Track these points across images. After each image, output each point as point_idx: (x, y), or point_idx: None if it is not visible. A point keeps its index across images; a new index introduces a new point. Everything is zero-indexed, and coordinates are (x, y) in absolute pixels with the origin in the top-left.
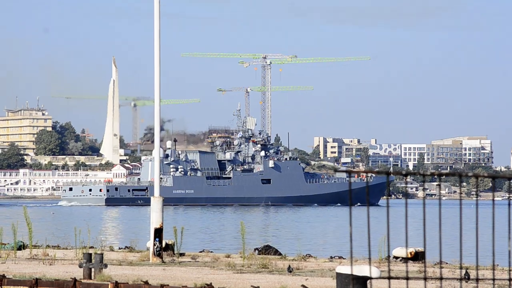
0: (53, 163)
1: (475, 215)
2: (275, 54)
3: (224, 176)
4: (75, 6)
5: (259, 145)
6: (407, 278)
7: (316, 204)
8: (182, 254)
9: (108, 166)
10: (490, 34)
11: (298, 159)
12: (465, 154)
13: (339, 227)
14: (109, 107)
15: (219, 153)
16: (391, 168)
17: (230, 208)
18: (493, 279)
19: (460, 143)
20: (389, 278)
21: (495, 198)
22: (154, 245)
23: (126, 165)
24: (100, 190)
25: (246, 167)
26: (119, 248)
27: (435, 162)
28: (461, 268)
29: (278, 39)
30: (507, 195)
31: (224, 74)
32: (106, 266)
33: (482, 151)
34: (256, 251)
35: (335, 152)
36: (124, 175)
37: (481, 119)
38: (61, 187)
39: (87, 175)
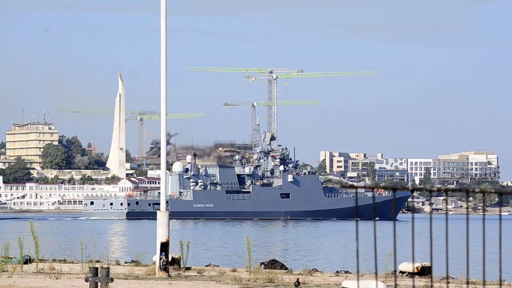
0: (60, 177)
1: (482, 230)
2: (282, 69)
3: (243, 190)
4: (82, 20)
5: (278, 160)
6: None
7: (335, 218)
8: (188, 268)
9: (114, 180)
10: (498, 49)
11: (317, 174)
12: (472, 168)
13: (350, 242)
14: (115, 121)
15: (238, 168)
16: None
17: (249, 222)
18: None
19: (467, 158)
20: None
21: (501, 213)
22: (160, 259)
23: (132, 179)
24: (121, 204)
25: (265, 181)
26: (125, 262)
27: (442, 177)
28: (467, 283)
29: (284, 53)
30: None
31: (230, 88)
32: (112, 280)
33: (489, 165)
34: (262, 265)
35: (341, 167)
36: (130, 188)
37: (488, 134)
38: (83, 201)
39: (94, 189)
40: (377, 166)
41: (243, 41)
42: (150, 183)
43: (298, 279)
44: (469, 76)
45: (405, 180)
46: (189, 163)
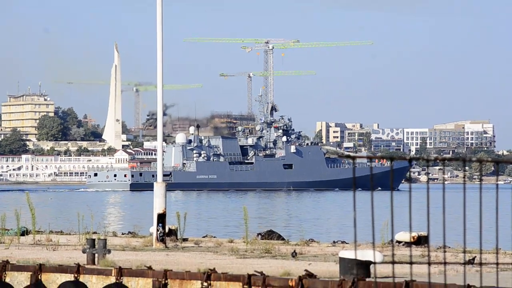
0: (56, 149)
1: (479, 199)
2: (278, 39)
3: (246, 161)
4: None
5: (280, 131)
6: (411, 263)
7: (337, 189)
8: (185, 240)
9: (110, 151)
10: (493, 18)
11: (319, 144)
12: (468, 138)
13: (348, 212)
14: (111, 92)
15: (241, 139)
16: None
17: (252, 193)
18: (497, 263)
19: (463, 127)
20: (393, 262)
21: (498, 182)
22: (157, 230)
23: (129, 150)
24: (125, 176)
25: (268, 152)
26: (122, 234)
27: (438, 147)
28: (464, 252)
29: (280, 23)
30: (510, 179)
31: (226, 59)
32: (109, 251)
33: (485, 135)
34: (259, 236)
35: (337, 137)
36: (126, 160)
37: (484, 103)
38: (86, 173)
39: (90, 160)
40: (373, 137)
41: (239, 12)
42: (147, 155)
43: (294, 250)
44: (464, 45)
45: (402, 150)
46: (192, 134)
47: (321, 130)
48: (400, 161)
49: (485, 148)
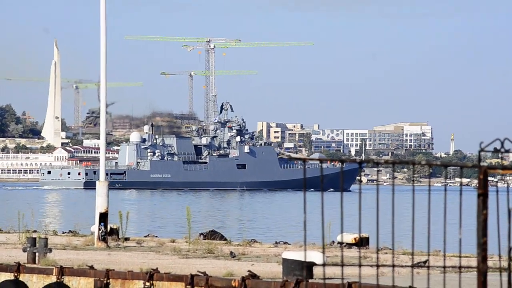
0: None
1: (427, 201)
2: (219, 38)
3: (200, 161)
4: None
5: (234, 131)
6: (359, 265)
7: (289, 189)
8: (127, 239)
9: (49, 149)
10: (432, 19)
11: (272, 145)
12: (406, 140)
13: (294, 213)
14: (50, 89)
15: (195, 138)
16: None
17: (206, 193)
18: (444, 267)
19: (402, 129)
20: (342, 265)
21: (435, 184)
22: (99, 229)
23: (68, 148)
24: (79, 174)
25: (222, 152)
26: (63, 232)
27: (377, 148)
28: (413, 254)
29: (222, 23)
30: (448, 181)
31: (167, 58)
32: (50, 250)
33: (423, 137)
34: (202, 236)
35: (278, 137)
36: (66, 158)
37: (422, 105)
38: (40, 170)
39: (28, 158)
40: (313, 137)
41: (180, 10)
42: (86, 153)
43: (231, 251)
44: (403, 47)
45: (342, 151)
46: (147, 133)
47: (262, 130)
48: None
49: (424, 150)
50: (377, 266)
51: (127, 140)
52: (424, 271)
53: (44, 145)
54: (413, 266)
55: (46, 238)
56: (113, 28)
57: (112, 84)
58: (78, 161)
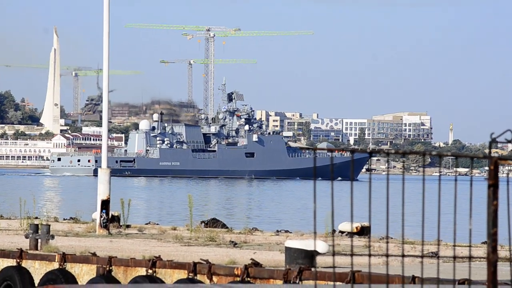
0: None
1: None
2: (219, 27)
3: (209, 149)
4: None
5: (243, 119)
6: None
7: (298, 178)
8: (128, 226)
9: (48, 135)
10: (432, 9)
11: (281, 134)
12: (405, 129)
13: (298, 201)
14: (50, 76)
15: (204, 127)
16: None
17: (214, 181)
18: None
19: (401, 119)
20: (352, 254)
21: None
22: (101, 216)
23: (67, 135)
24: (89, 161)
25: (230, 140)
26: (64, 219)
27: (376, 138)
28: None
29: (222, 11)
30: (445, 171)
31: (167, 46)
32: (53, 237)
33: (422, 127)
34: (203, 224)
35: (277, 126)
36: (64, 145)
37: (421, 95)
38: (50, 157)
39: (27, 144)
40: (312, 126)
41: None
42: (85, 140)
43: (231, 240)
44: (403, 37)
45: (340, 140)
46: (156, 121)
47: (261, 118)
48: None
49: (422, 140)
50: (387, 255)
51: (127, 128)
52: (429, 260)
53: (43, 132)
54: (423, 256)
55: (49, 225)
56: (113, 16)
57: (111, 71)
58: (76, 148)
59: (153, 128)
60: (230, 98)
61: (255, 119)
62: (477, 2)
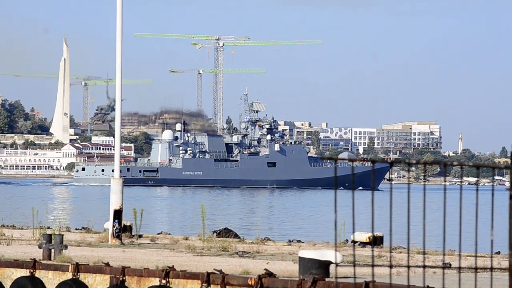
0: (2, 141)
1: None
2: (228, 36)
3: (231, 159)
4: None
5: (265, 129)
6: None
7: (320, 188)
8: (140, 236)
9: (57, 145)
10: (441, 18)
11: (302, 143)
12: (415, 139)
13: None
14: (59, 86)
15: (226, 136)
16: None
17: (236, 190)
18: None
19: (410, 128)
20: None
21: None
22: (114, 226)
23: (76, 144)
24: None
25: (252, 150)
26: (76, 229)
27: (385, 147)
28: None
29: (231, 21)
30: (455, 180)
31: (176, 55)
32: (66, 247)
33: (431, 136)
34: (215, 234)
35: (286, 135)
36: (74, 154)
37: (431, 104)
38: (75, 167)
39: (36, 154)
40: (321, 135)
41: (190, 8)
42: (94, 149)
43: (238, 251)
44: (412, 46)
45: (350, 149)
46: (179, 131)
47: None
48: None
49: (432, 149)
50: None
51: (136, 138)
52: (439, 270)
53: (53, 141)
54: (444, 267)
55: (62, 235)
56: (122, 25)
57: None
58: (86, 158)
59: (176, 138)
60: (252, 108)
61: (277, 129)
62: (485, 8)
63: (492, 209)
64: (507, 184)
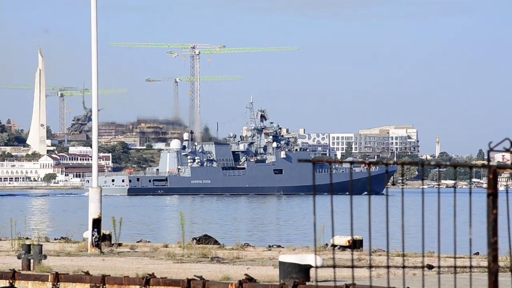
0: None
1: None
2: (204, 44)
3: (238, 166)
4: None
5: (271, 137)
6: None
7: (326, 193)
8: (120, 245)
9: (35, 156)
10: (417, 22)
11: (307, 150)
12: (392, 143)
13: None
14: (35, 97)
15: (233, 145)
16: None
17: (244, 198)
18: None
19: (387, 132)
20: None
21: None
22: (93, 235)
23: (54, 155)
24: (123, 181)
25: (259, 158)
26: (55, 239)
27: (363, 151)
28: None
29: (207, 29)
30: (433, 183)
31: (152, 64)
32: (45, 257)
33: (409, 140)
34: (194, 241)
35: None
36: (51, 165)
37: (407, 108)
38: (84, 178)
39: (13, 165)
40: (299, 141)
41: (165, 16)
42: (72, 160)
43: (213, 257)
44: (389, 50)
45: (328, 155)
46: (186, 140)
47: (246, 135)
48: (383, 166)
49: (409, 153)
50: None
51: (114, 147)
52: (419, 272)
53: (30, 152)
54: (423, 267)
55: (41, 245)
56: (98, 35)
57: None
58: (64, 168)
59: (184, 147)
60: (261, 116)
61: (282, 136)
62: (460, 15)
63: (470, 209)
64: (485, 186)
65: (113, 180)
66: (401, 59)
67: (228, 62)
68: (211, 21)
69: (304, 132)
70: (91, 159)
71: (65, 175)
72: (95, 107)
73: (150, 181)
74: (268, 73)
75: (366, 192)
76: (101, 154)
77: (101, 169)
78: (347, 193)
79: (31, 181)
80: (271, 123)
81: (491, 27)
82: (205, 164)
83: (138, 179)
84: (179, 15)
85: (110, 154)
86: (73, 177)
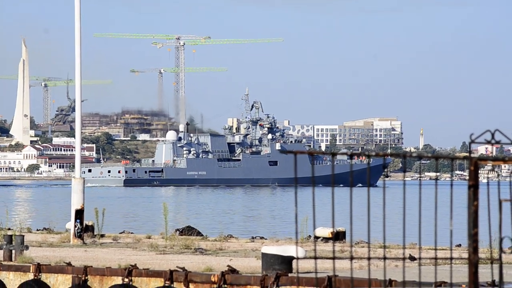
0: None
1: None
2: (189, 35)
3: (233, 158)
4: None
5: (266, 129)
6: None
7: (320, 185)
8: (102, 236)
9: (18, 147)
10: (399, 15)
11: (302, 142)
12: (376, 135)
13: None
14: (19, 87)
15: (228, 136)
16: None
17: (239, 189)
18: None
19: (371, 124)
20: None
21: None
22: (75, 226)
23: (37, 146)
24: (119, 172)
25: (254, 149)
26: (37, 230)
27: (347, 143)
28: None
29: (191, 20)
30: (416, 175)
31: (137, 55)
32: (27, 248)
33: (393, 132)
34: (177, 232)
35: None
36: (35, 156)
37: (392, 100)
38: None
39: None
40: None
41: (150, 7)
42: (55, 150)
43: (196, 248)
44: (373, 43)
45: (312, 146)
46: (182, 131)
47: (232, 126)
48: (378, 158)
49: (393, 145)
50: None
51: (98, 138)
52: (401, 263)
53: (13, 143)
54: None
55: (23, 236)
56: (82, 26)
57: (82, 81)
58: (47, 159)
59: (180, 139)
60: (252, 107)
61: (278, 128)
62: (443, 5)
63: (451, 200)
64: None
65: (109, 171)
66: (387, 52)
67: (213, 54)
68: (196, 12)
69: (288, 124)
70: (75, 150)
71: (49, 165)
72: (79, 97)
73: (146, 172)
74: (253, 64)
75: (360, 184)
76: (85, 145)
77: (84, 160)
78: (341, 185)
79: (14, 171)
80: (267, 115)
81: (476, 24)
82: (200, 155)
83: (134, 170)
84: (164, 6)
85: (94, 145)
86: (57, 167)
